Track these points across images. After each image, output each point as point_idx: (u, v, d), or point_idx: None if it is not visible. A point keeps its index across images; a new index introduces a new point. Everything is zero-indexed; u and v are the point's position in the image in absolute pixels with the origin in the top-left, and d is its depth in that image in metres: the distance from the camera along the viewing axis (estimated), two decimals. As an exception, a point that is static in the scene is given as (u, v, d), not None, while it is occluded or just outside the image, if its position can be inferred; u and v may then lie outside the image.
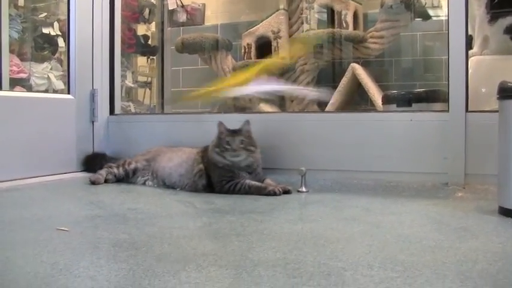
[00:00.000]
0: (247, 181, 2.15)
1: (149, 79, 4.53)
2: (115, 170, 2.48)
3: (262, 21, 3.63)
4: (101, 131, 2.95)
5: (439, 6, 3.47)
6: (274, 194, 2.07)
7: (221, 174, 2.18)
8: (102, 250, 1.31)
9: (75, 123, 2.79)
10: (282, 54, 3.52)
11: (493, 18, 2.64)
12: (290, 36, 3.57)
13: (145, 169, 2.46)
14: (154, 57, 4.51)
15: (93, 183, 2.39)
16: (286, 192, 2.13)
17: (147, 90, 4.53)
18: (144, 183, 2.43)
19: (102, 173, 2.46)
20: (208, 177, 2.23)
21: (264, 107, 3.20)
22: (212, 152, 2.21)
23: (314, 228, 1.53)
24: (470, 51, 2.56)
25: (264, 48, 3.63)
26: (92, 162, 2.73)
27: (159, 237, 1.41)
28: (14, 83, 3.30)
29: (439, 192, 2.12)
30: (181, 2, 4.31)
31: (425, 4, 3.41)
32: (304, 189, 2.22)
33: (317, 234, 1.45)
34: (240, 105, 3.43)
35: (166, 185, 2.35)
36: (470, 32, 2.62)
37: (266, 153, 2.40)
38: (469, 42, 2.44)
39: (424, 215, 1.75)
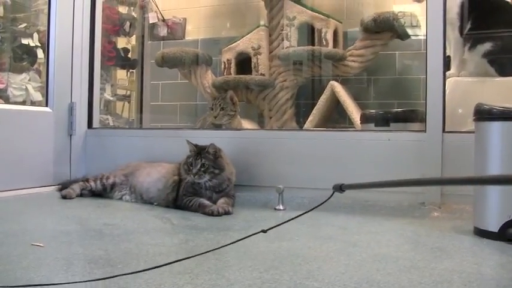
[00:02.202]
0: (200, 200, 2.14)
1: (128, 92, 4.51)
2: (92, 184, 2.46)
3: (242, 37, 3.64)
4: (78, 144, 2.92)
5: (417, 26, 3.52)
6: (212, 214, 2.05)
7: (187, 189, 2.19)
8: (77, 267, 1.30)
9: (53, 136, 2.76)
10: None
11: (472, 45, 2.68)
12: (270, 52, 3.59)
13: (123, 184, 2.44)
14: (134, 71, 4.49)
15: (64, 197, 2.38)
16: (227, 213, 2.07)
17: (126, 103, 4.50)
18: (121, 198, 2.41)
19: (75, 187, 2.44)
20: (178, 191, 2.24)
21: (244, 123, 3.20)
22: (182, 168, 2.23)
23: (291, 246, 1.54)
24: (447, 72, 2.59)
25: (243, 64, 3.65)
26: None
27: (136, 254, 1.40)
28: (-9, 93, 3.27)
29: (416, 212, 2.14)
30: (162, 16, 4.31)
31: (404, 23, 3.45)
32: (281, 207, 2.22)
33: (293, 253, 1.46)
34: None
35: (144, 199, 2.34)
36: (448, 53, 2.67)
37: (244, 170, 2.40)
38: (446, 63, 2.47)
39: (401, 235, 1.76)
